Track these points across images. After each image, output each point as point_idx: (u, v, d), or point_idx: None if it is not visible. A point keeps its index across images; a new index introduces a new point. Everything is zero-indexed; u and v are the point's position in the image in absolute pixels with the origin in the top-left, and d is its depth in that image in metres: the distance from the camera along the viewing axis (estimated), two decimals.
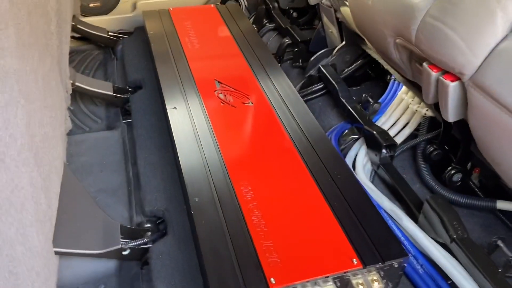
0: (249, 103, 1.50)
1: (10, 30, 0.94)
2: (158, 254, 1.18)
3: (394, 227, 1.21)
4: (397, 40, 1.18)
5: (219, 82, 1.59)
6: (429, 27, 1.03)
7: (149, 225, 1.30)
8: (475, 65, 0.95)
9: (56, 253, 1.10)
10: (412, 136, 1.46)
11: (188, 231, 1.23)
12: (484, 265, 1.02)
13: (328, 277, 0.98)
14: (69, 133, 1.67)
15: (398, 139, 1.45)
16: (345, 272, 0.98)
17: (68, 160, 1.56)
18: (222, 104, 1.49)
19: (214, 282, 0.96)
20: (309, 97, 1.72)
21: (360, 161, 1.41)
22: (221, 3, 2.39)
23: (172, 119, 1.42)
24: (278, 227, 1.07)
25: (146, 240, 1.23)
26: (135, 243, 1.21)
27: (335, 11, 1.64)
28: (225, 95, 1.53)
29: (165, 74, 1.63)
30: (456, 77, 1.02)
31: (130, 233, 1.25)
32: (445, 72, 1.05)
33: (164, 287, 1.10)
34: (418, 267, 1.13)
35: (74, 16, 2.14)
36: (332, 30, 1.74)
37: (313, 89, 1.71)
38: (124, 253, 1.20)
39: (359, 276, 1.00)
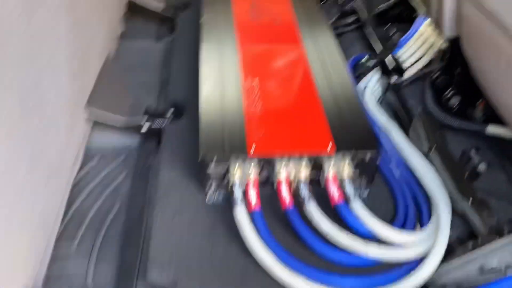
0: (276, 22, 1.62)
1: None
2: (169, 132, 1.36)
3: (385, 139, 1.29)
4: None
5: (253, 6, 1.72)
6: None
7: (171, 110, 1.49)
8: None
9: (86, 118, 1.32)
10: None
11: None
12: (453, 172, 1.09)
13: (303, 156, 1.10)
14: (121, 40, 1.90)
15: (414, 69, 1.50)
16: (318, 155, 1.10)
17: (116, 60, 1.78)
18: (250, 21, 1.62)
19: (203, 146, 1.12)
20: (341, 30, 1.80)
21: (371, 85, 1.49)
22: None
23: (204, 25, 1.58)
24: (271, 113, 1.21)
25: (163, 120, 1.41)
26: (153, 122, 1.40)
27: None
28: (257, 15, 1.66)
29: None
30: None
31: (152, 114, 1.44)
32: None
33: (167, 156, 1.28)
34: (397, 173, 1.22)
35: None
36: None
37: (345, 22, 1.78)
38: (142, 130, 1.40)
39: (332, 160, 1.11)
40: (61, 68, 1.06)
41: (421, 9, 1.50)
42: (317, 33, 1.55)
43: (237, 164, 1.08)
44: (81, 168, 1.34)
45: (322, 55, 1.43)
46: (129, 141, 1.46)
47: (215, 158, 1.08)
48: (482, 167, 1.04)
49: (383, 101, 1.48)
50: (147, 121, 1.39)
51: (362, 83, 1.52)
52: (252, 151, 1.09)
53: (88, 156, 1.40)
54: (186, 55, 1.70)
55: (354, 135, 1.14)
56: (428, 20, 1.55)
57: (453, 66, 1.31)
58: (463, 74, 1.26)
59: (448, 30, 1.12)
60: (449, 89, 1.30)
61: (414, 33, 1.60)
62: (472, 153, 1.09)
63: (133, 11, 2.05)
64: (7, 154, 0.80)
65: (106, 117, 1.35)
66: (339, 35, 1.79)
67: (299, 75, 1.34)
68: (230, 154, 1.09)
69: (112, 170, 1.39)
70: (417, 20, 1.64)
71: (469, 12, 1.01)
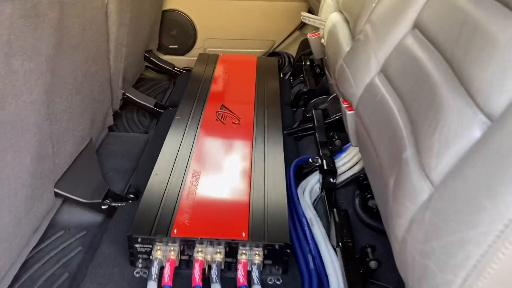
0: (238, 123, 1.86)
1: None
2: (120, 211, 1.55)
3: (307, 232, 1.42)
4: (333, 81, 1.47)
5: (224, 106, 1.99)
6: (340, 68, 1.31)
7: (131, 195, 1.69)
8: (357, 97, 1.21)
9: (56, 194, 1.53)
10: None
11: None
12: (351, 270, 1.20)
13: (220, 240, 1.25)
14: (113, 130, 2.19)
15: (349, 174, 1.67)
16: (233, 240, 1.25)
17: (102, 147, 2.05)
18: (216, 120, 1.87)
19: (136, 224, 1.29)
20: (300, 134, 2.02)
21: (311, 184, 1.66)
22: (268, 55, 2.86)
23: (173, 125, 1.83)
24: (204, 199, 1.39)
25: (121, 204, 1.61)
26: (110, 202, 1.60)
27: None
28: (222, 116, 1.91)
29: (188, 95, 2.08)
30: (352, 107, 1.28)
31: (114, 196, 1.64)
32: (350, 105, 1.31)
33: (112, 233, 1.45)
34: (312, 266, 1.33)
35: (150, 50, 2.76)
36: (331, 81, 2.04)
37: (303, 127, 2.01)
38: (102, 207, 1.60)
39: (246, 247, 1.25)
40: (27, 150, 1.30)
41: None
42: (270, 136, 1.77)
43: (159, 244, 1.24)
44: (44, 239, 1.53)
45: (267, 156, 1.63)
46: (93, 216, 1.66)
47: (140, 238, 1.25)
48: (373, 265, 1.15)
49: (319, 200, 1.63)
50: (105, 203, 1.59)
51: (304, 181, 1.69)
52: (175, 232, 1.26)
53: (56, 228, 1.59)
54: (158, 146, 1.95)
55: (270, 227, 1.29)
56: None
57: None
58: None
59: (353, 141, 1.31)
60: (367, 193, 1.45)
61: None
62: (369, 250, 1.21)
63: (128, 106, 2.38)
64: None
65: (70, 197, 1.56)
66: (299, 138, 2.01)
67: (239, 172, 1.54)
68: (154, 234, 1.25)
69: (70, 244, 1.57)
70: None
71: (361, 131, 1.21)
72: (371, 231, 1.44)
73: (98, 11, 1.80)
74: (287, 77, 2.66)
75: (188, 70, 2.83)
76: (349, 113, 1.27)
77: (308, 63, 2.55)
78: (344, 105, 1.32)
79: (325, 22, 1.79)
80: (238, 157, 1.64)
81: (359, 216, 1.47)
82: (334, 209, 1.36)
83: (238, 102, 2.05)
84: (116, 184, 1.80)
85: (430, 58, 0.90)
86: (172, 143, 1.69)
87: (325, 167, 1.57)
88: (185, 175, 1.50)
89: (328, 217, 1.56)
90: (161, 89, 2.77)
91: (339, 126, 1.99)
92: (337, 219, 1.33)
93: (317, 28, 2.06)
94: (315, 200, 1.63)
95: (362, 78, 1.19)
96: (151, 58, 2.73)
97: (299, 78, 2.58)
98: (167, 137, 1.73)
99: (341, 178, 1.63)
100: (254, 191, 1.44)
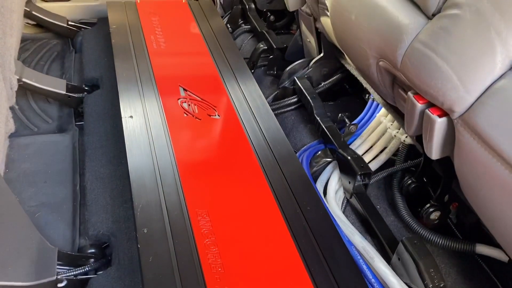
0: (215, 115, 1.36)
1: None
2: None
3: (364, 267, 1.10)
4: (380, 63, 1.06)
5: (184, 89, 1.45)
6: (418, 53, 0.91)
7: (93, 250, 1.16)
8: (467, 103, 0.84)
9: None
10: (389, 162, 1.35)
11: (137, 263, 1.09)
12: None
13: None
14: (13, 135, 1.50)
15: (373, 165, 1.35)
16: None
17: (8, 167, 1.39)
18: (185, 115, 1.34)
19: None
20: (282, 110, 1.60)
21: (332, 187, 1.30)
22: None
23: (127, 129, 1.26)
24: (236, 268, 0.94)
25: (86, 269, 1.08)
26: (73, 273, 1.06)
27: (315, 20, 1.51)
28: (189, 105, 1.39)
29: (124, 76, 1.47)
30: (444, 112, 0.91)
31: (69, 260, 1.09)
32: (432, 105, 0.94)
33: None
34: None
35: (29, 1, 1.94)
36: (310, 39, 1.61)
37: (287, 103, 1.59)
38: (59, 285, 1.05)
39: None
40: None
41: (372, 92, 1.36)
42: (266, 130, 1.33)
43: None
44: None
45: (281, 166, 1.21)
46: None
47: None
48: None
49: (347, 206, 1.30)
50: (64, 277, 1.04)
51: (320, 182, 1.33)
52: None
53: None
54: (103, 159, 1.37)
55: (340, 282, 0.92)
56: (383, 109, 1.41)
57: (431, 176, 1.18)
58: (445, 188, 1.13)
59: (435, 153, 0.98)
60: (429, 205, 1.16)
61: (369, 119, 1.46)
62: None
63: (29, 95, 1.66)
64: None
65: (3, 286, 0.98)
66: (278, 115, 1.59)
67: (262, 207, 1.10)
68: None
69: None
70: (370, 104, 1.50)
71: (467, 143, 0.86)
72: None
73: None
74: (225, 22, 2.12)
75: (88, 23, 2.10)
76: (439, 120, 0.90)
77: (252, 6, 2.04)
78: (420, 105, 0.95)
79: None
80: (244, 175, 1.18)
81: (415, 231, 1.18)
82: (404, 239, 1.04)
83: (198, 77, 1.52)
84: (54, 231, 1.22)
85: None
86: (140, 168, 1.15)
87: (358, 170, 1.21)
88: (188, 229, 1.01)
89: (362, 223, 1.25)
90: (53, 54, 2.01)
91: (328, 97, 1.63)
92: (413, 253, 1.02)
93: None
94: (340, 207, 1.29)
95: (477, 77, 0.81)
96: (33, 12, 1.93)
97: (243, 27, 2.07)
98: (128, 159, 1.16)
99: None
100: (294, 229, 1.04)
